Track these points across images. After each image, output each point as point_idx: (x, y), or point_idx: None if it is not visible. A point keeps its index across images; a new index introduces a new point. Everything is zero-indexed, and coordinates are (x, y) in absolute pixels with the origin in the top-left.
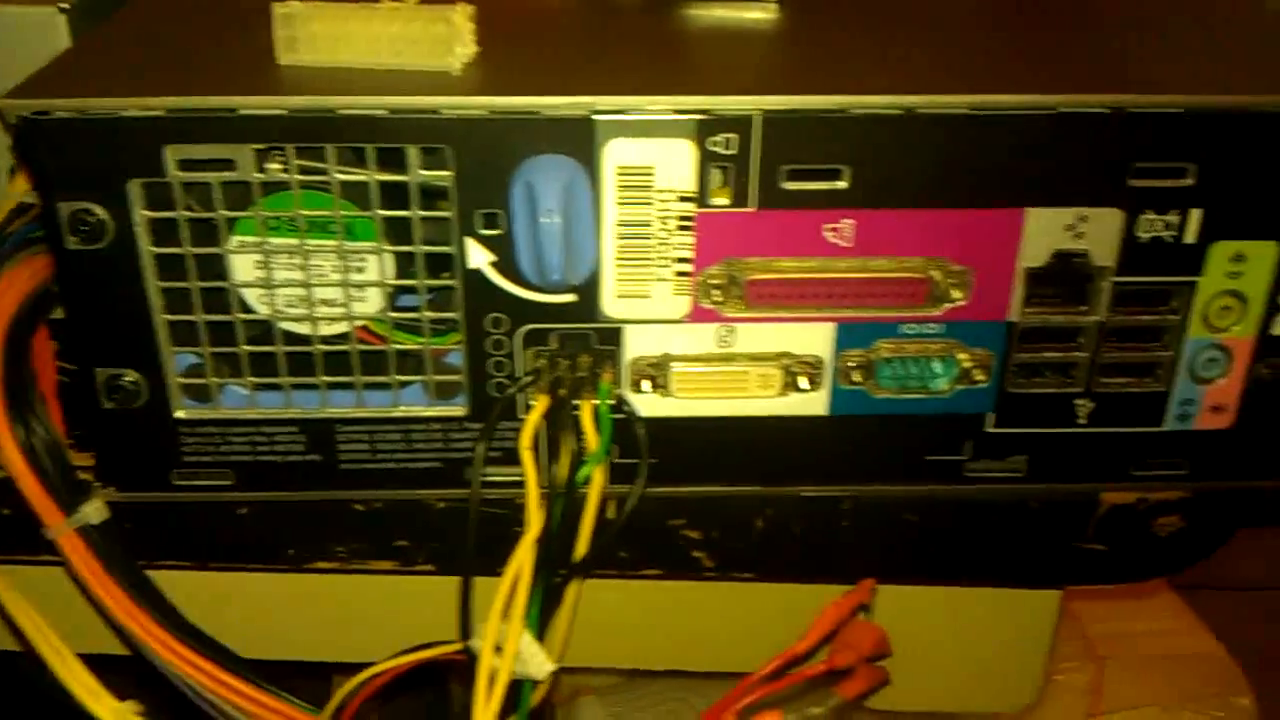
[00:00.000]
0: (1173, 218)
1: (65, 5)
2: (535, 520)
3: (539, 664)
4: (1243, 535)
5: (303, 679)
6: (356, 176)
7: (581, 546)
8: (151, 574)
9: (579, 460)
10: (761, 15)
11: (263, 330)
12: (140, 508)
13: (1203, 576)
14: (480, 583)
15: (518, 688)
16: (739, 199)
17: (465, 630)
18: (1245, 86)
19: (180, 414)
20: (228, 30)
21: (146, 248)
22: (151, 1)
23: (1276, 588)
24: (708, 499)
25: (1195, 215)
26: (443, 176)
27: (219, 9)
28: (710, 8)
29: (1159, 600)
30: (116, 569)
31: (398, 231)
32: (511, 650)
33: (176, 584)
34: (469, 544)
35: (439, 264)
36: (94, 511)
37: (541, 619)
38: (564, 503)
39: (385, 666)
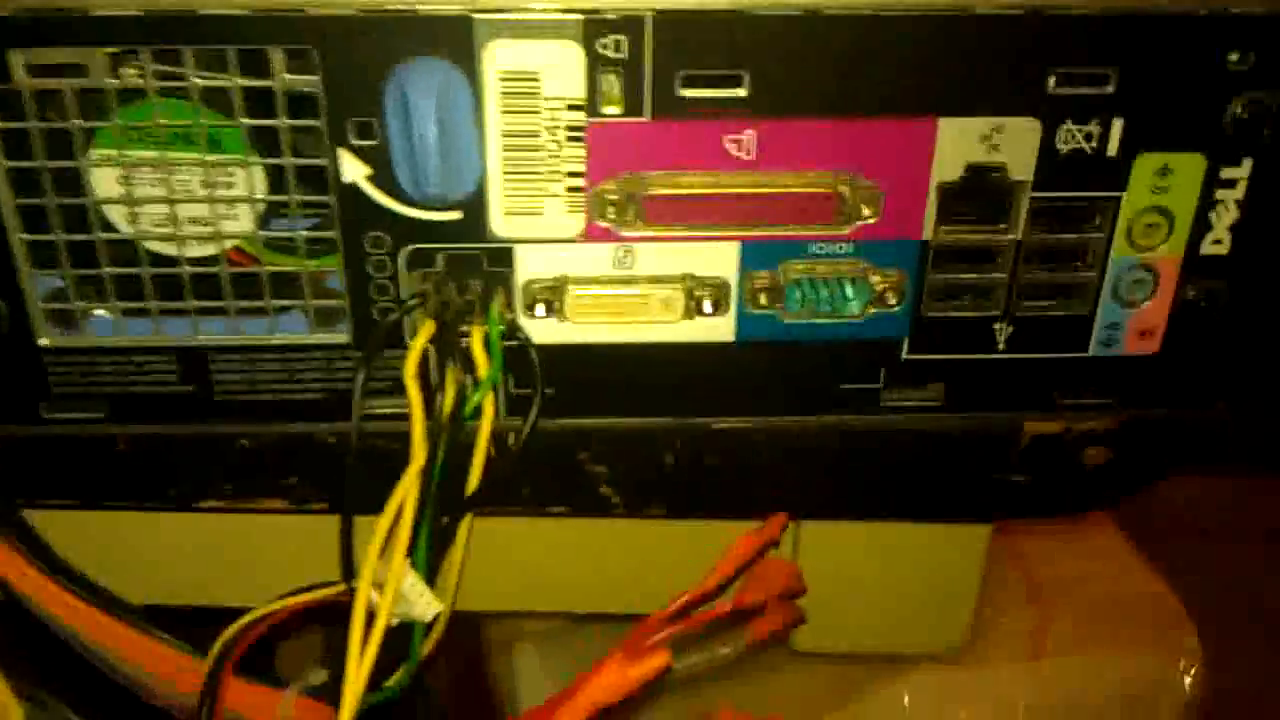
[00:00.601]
0: (1094, 128)
1: None
2: (419, 452)
3: (425, 604)
4: (1189, 478)
5: (191, 624)
6: (217, 82)
7: (473, 481)
8: (27, 514)
9: (470, 390)
10: None
11: (129, 251)
12: (9, 443)
13: (1148, 518)
14: (370, 522)
15: (408, 633)
16: (632, 108)
17: (348, 571)
18: None
19: (45, 341)
20: None
21: None
22: None
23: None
24: (614, 432)
25: (1117, 125)
26: (310, 81)
27: None
28: None
29: (1105, 543)
30: None
31: (269, 143)
32: (392, 590)
33: (55, 524)
34: (347, 480)
35: (312, 179)
36: None
37: (431, 559)
38: (453, 435)
39: (268, 610)
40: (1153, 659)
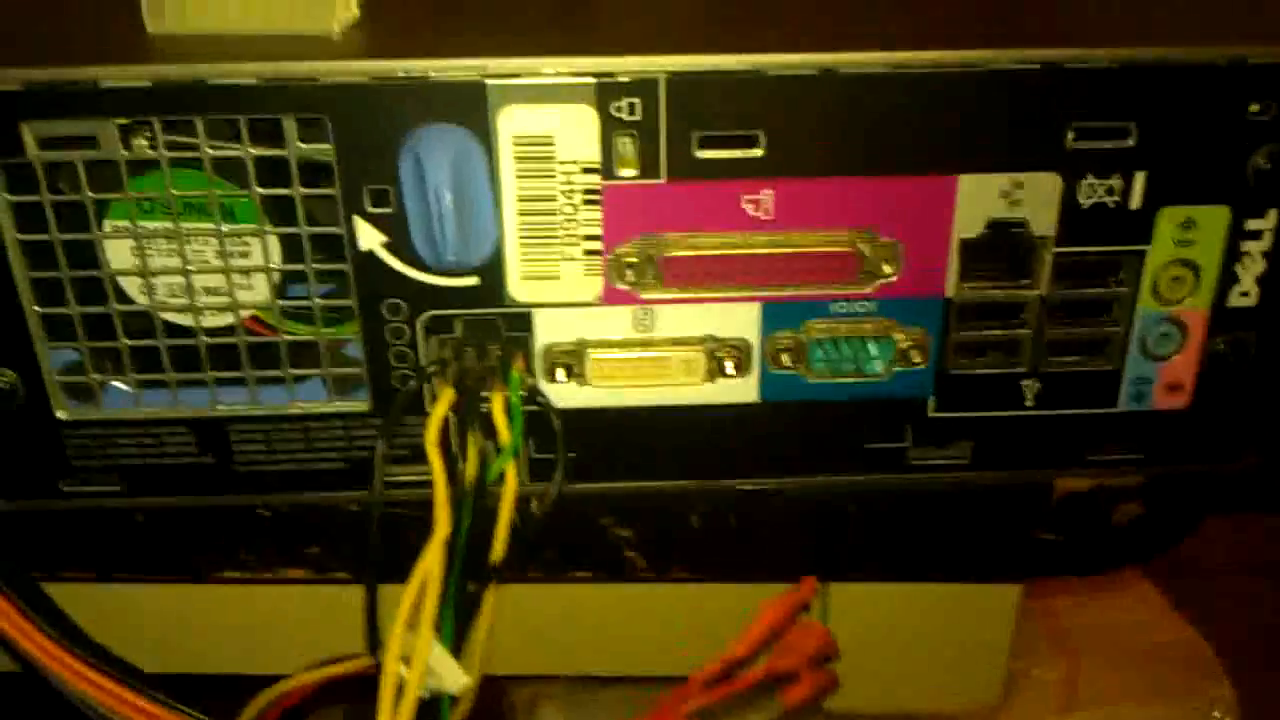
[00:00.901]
0: (1115, 181)
1: None
2: (443, 521)
3: (454, 677)
4: (1218, 520)
5: (214, 695)
6: (230, 152)
7: (498, 549)
8: (48, 587)
9: (491, 456)
10: None
11: (145, 322)
12: (28, 516)
13: (1178, 565)
14: (395, 591)
15: (437, 706)
16: (648, 169)
17: (373, 643)
18: (1187, 37)
19: (62, 415)
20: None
21: (11, 234)
22: None
23: (1256, 574)
24: (637, 495)
25: (1140, 178)
26: (323, 150)
27: None
28: None
29: (1134, 591)
30: (4, 582)
31: (283, 212)
32: (420, 663)
33: (76, 597)
34: (370, 550)
35: (328, 246)
36: None
37: (457, 628)
38: (477, 503)
39: (292, 685)
40: (1184, 708)
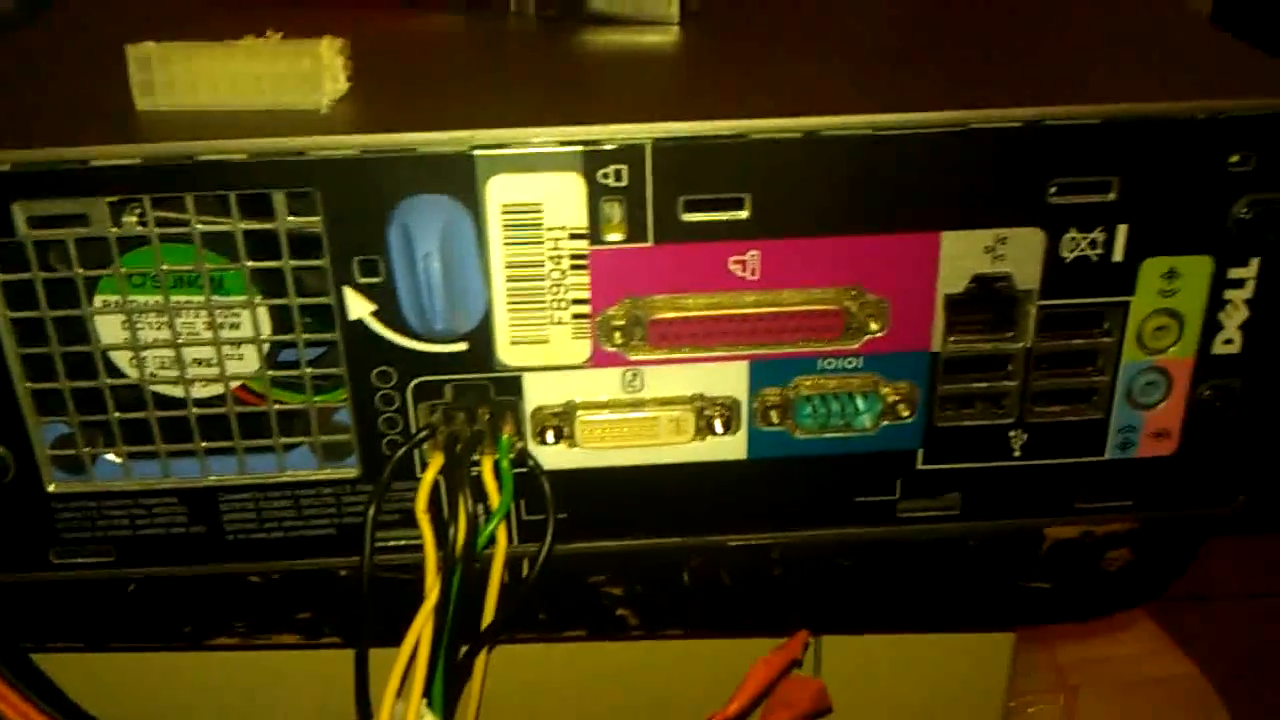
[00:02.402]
0: (1098, 235)
1: None
2: (433, 588)
3: None
4: (1219, 544)
5: None
6: (219, 226)
7: (489, 613)
8: (38, 658)
9: (482, 520)
10: (660, 38)
11: (135, 395)
12: (20, 588)
13: (1177, 592)
14: (387, 656)
15: None
16: (635, 234)
17: (364, 712)
18: (1166, 93)
19: (53, 488)
20: (86, 77)
21: (2, 312)
22: (7, 47)
23: (1249, 595)
24: (629, 553)
25: (1122, 231)
26: (312, 222)
27: (81, 54)
28: (606, 32)
29: (1133, 623)
30: None
31: (272, 283)
32: None
33: (67, 666)
34: (361, 617)
35: (318, 316)
36: None
37: (447, 694)
38: (467, 568)
39: None
40: None
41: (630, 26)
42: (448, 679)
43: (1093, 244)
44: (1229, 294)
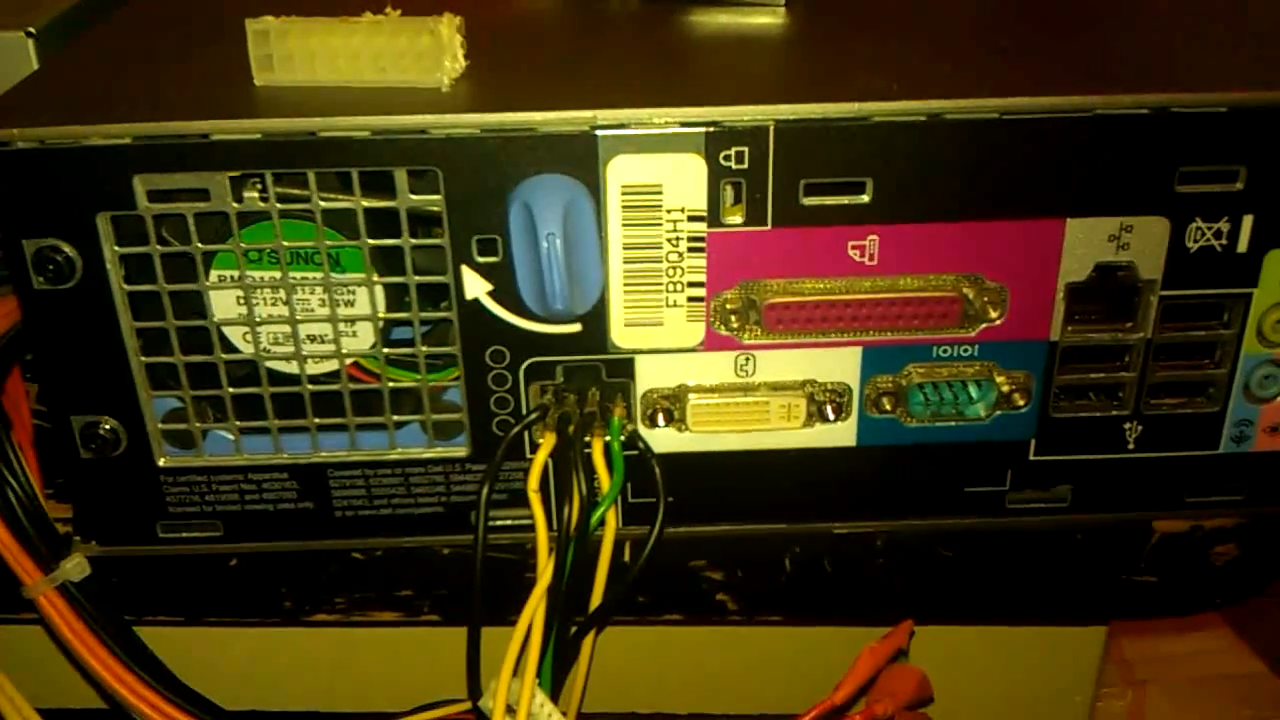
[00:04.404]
0: (1223, 225)
1: (33, 29)
2: (546, 570)
3: None
4: None
5: None
6: (341, 204)
7: (597, 595)
8: (140, 629)
9: (591, 502)
10: (769, 20)
11: (247, 370)
12: (125, 561)
13: None
14: (489, 633)
15: None
16: (754, 217)
17: (474, 689)
18: None
19: (163, 462)
20: (203, 50)
21: (119, 286)
22: (123, 22)
23: None
24: (731, 538)
25: (1247, 222)
26: (433, 201)
27: (196, 29)
28: (712, 12)
29: (1201, 620)
30: (100, 627)
31: (389, 261)
32: (524, 712)
33: (167, 639)
34: (474, 597)
35: (434, 295)
36: (74, 568)
37: (555, 674)
38: (579, 550)
39: None
40: None
41: (736, 8)
42: (556, 659)
43: (1218, 234)
44: None
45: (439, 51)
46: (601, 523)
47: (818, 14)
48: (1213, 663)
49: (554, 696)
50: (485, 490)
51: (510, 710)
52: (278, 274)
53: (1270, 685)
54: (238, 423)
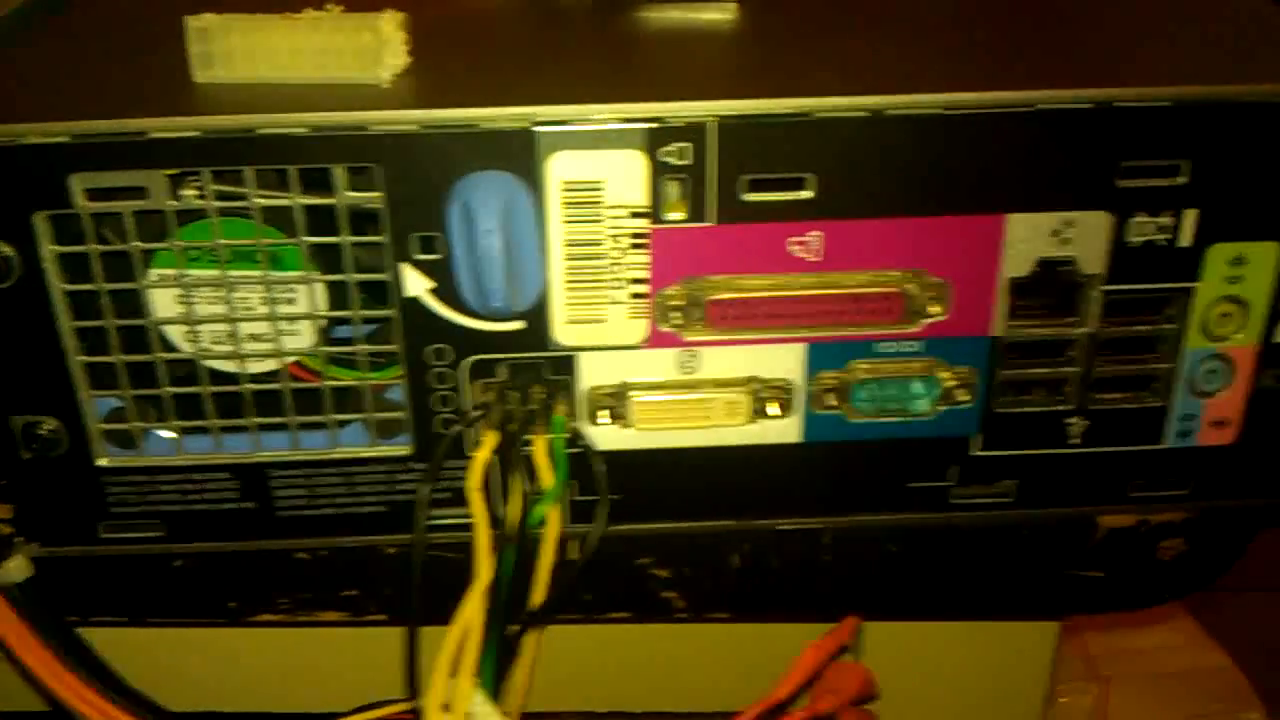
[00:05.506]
0: (1166, 219)
1: None
2: (485, 567)
3: None
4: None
5: None
6: (278, 201)
7: (539, 593)
8: (84, 630)
9: (534, 500)
10: (719, 16)
11: (188, 370)
12: (67, 562)
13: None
14: (433, 633)
15: None
16: (696, 213)
17: (413, 688)
18: (1238, 75)
19: (104, 462)
20: (144, 48)
21: (57, 285)
22: (66, 21)
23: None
24: (677, 535)
25: (1190, 216)
26: (372, 198)
27: (139, 27)
28: (665, 9)
29: (1166, 615)
30: (41, 629)
31: (329, 259)
32: (461, 711)
33: (112, 640)
34: (413, 595)
35: (374, 293)
36: (15, 568)
37: (497, 673)
38: (519, 548)
39: None
40: None
41: (688, 3)
42: (497, 658)
43: (1160, 229)
44: None
45: (379, 48)
46: (543, 521)
47: (769, 10)
48: (1178, 657)
49: (496, 695)
50: (425, 489)
51: (446, 709)
52: (217, 272)
53: (1234, 678)
54: (178, 422)
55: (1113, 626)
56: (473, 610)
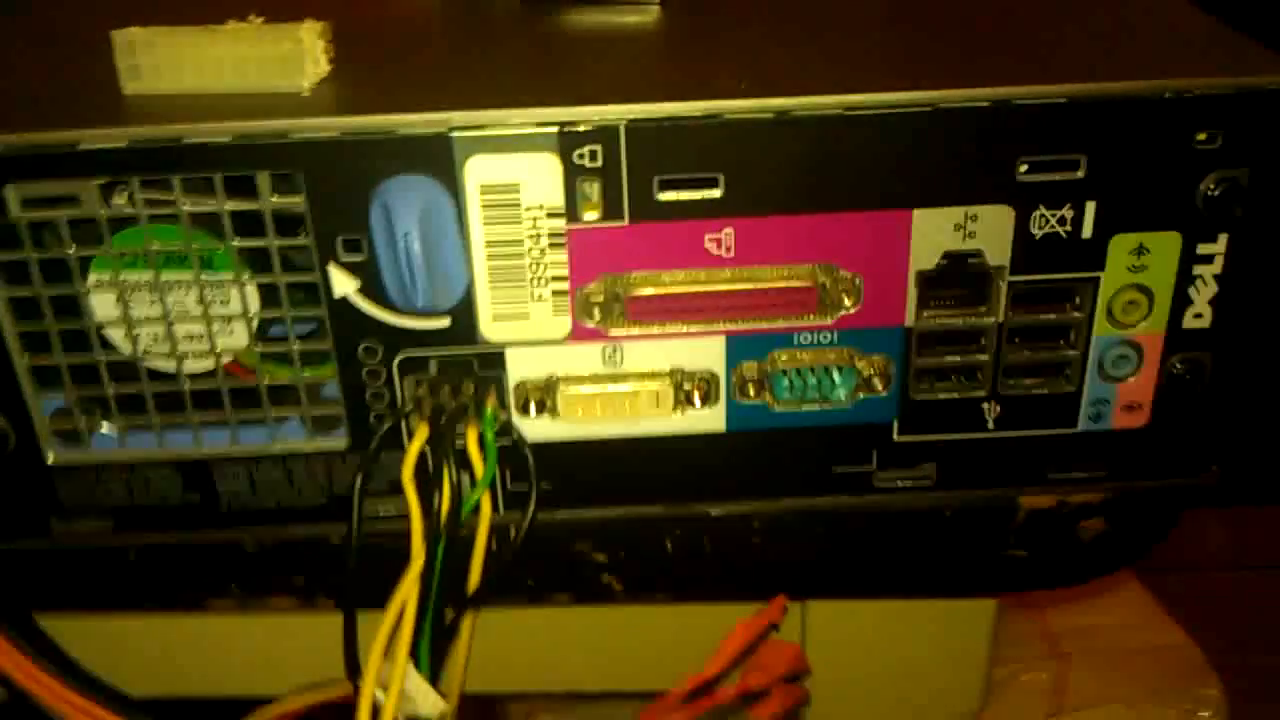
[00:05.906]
0: (1067, 212)
1: None
2: (418, 554)
3: (431, 703)
4: (1209, 515)
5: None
6: (204, 207)
7: (474, 578)
8: (42, 620)
9: (467, 490)
10: (640, 19)
11: (129, 369)
12: (22, 555)
13: (1169, 561)
14: (375, 619)
15: None
16: (611, 212)
17: (352, 670)
18: (1132, 71)
19: (52, 459)
20: (74, 62)
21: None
22: None
23: (1243, 568)
24: (614, 521)
25: (1090, 208)
26: (295, 202)
27: (71, 40)
28: (588, 12)
29: (1124, 592)
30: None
31: (262, 260)
32: (396, 689)
33: (69, 629)
34: (349, 581)
35: (305, 293)
36: None
37: (434, 655)
38: (452, 534)
39: (275, 711)
40: (1173, 710)
41: (611, 6)
42: (434, 641)
43: (1061, 221)
44: (1198, 269)
45: (300, 57)
46: (477, 509)
47: (691, 13)
48: (1137, 635)
49: (434, 678)
50: (358, 480)
51: (383, 688)
52: (151, 276)
53: (1191, 655)
54: (122, 420)
55: (1073, 605)
56: (406, 594)
